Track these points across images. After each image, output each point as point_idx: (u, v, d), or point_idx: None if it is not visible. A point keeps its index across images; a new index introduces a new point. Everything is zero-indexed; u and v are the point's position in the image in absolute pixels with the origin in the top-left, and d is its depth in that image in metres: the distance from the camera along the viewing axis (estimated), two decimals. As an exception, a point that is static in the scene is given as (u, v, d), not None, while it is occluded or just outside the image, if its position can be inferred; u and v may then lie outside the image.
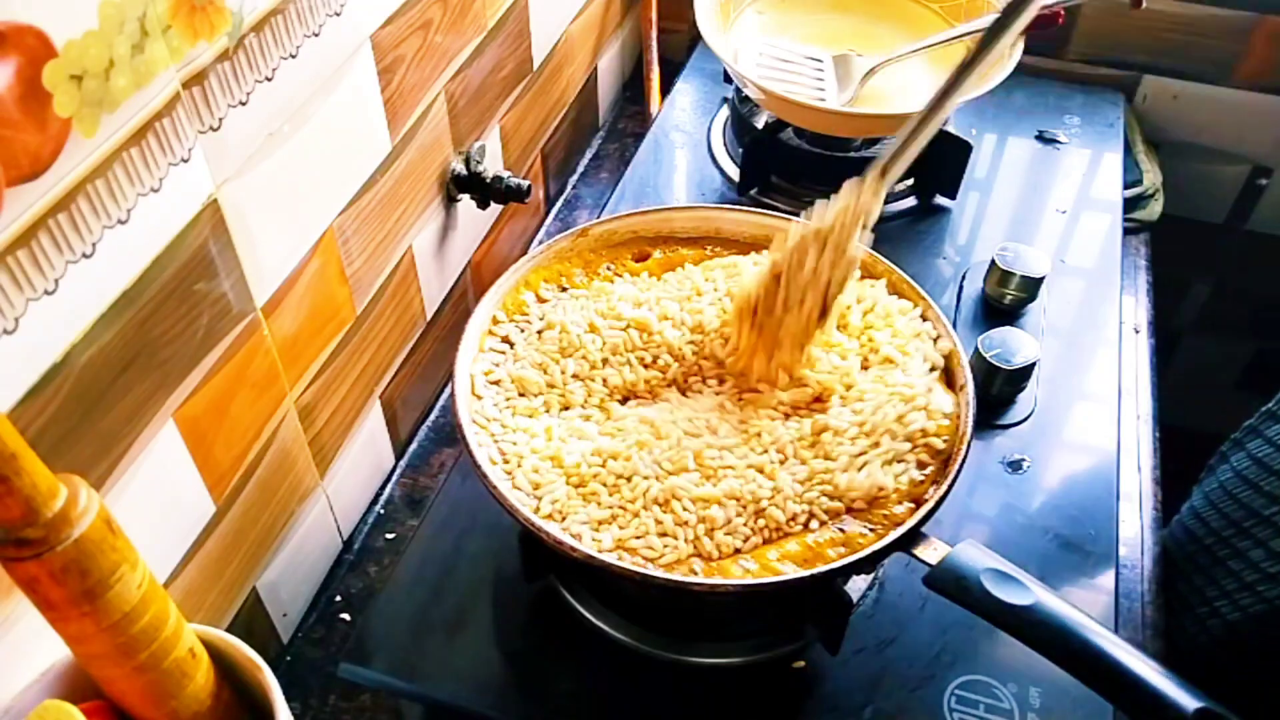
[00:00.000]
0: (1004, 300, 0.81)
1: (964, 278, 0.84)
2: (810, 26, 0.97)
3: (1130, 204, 0.98)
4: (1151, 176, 1.01)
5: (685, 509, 0.54)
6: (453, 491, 0.69)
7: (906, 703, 0.59)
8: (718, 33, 0.92)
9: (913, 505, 0.55)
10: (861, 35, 0.96)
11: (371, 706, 0.67)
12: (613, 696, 0.60)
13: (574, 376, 0.61)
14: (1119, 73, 1.07)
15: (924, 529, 0.53)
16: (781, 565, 0.53)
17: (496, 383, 0.61)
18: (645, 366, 0.62)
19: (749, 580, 0.52)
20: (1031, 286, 0.80)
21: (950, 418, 0.58)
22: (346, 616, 0.72)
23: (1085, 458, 0.73)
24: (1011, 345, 0.74)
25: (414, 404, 0.84)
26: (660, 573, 0.52)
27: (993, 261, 0.81)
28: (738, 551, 0.54)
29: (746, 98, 0.95)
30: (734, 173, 0.94)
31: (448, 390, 0.87)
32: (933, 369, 0.61)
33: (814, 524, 0.55)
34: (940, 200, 0.92)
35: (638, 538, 0.53)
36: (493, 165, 0.85)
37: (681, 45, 1.17)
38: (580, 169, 1.09)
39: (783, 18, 0.98)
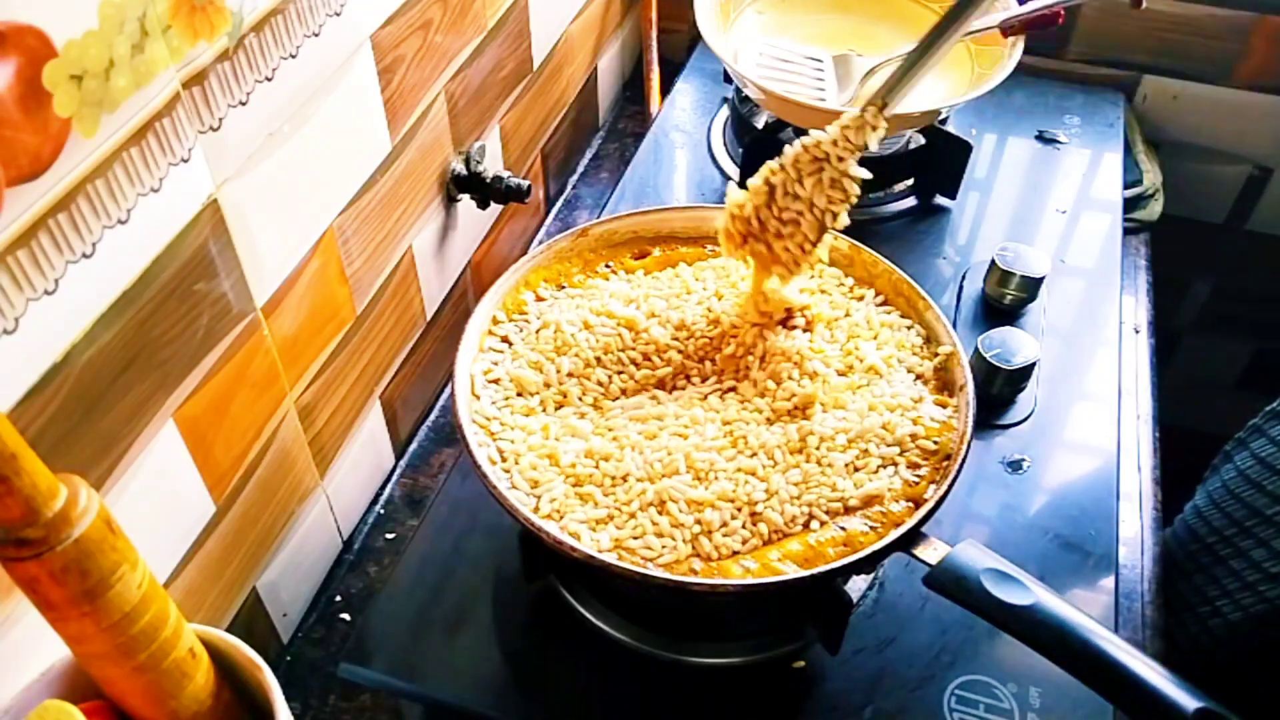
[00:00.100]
0: (1004, 300, 0.81)
1: (964, 278, 0.84)
2: (810, 26, 0.97)
3: (1130, 204, 0.98)
4: (1151, 176, 1.01)
5: (681, 510, 0.54)
6: (453, 491, 0.69)
7: (906, 703, 0.59)
8: (718, 33, 0.92)
9: (912, 505, 0.55)
10: (861, 35, 0.96)
11: (371, 706, 0.67)
12: (613, 696, 0.60)
13: (569, 375, 0.61)
14: (1119, 73, 1.07)
15: (924, 529, 0.53)
16: (782, 565, 0.53)
17: (495, 381, 0.61)
18: (635, 365, 0.62)
19: (749, 580, 0.52)
20: (1031, 286, 0.80)
21: (940, 423, 0.59)
22: (346, 616, 0.72)
23: (1085, 458, 0.73)
24: (1011, 345, 0.74)
25: (414, 404, 0.84)
26: (660, 572, 0.52)
27: (993, 261, 0.81)
28: (736, 553, 0.54)
29: (746, 98, 0.95)
30: (734, 173, 0.94)
31: (448, 390, 0.87)
32: (919, 379, 0.62)
33: (814, 524, 0.55)
34: (940, 200, 0.92)
35: (635, 538, 0.54)
36: (493, 165, 0.85)
37: (681, 45, 1.17)
38: (580, 169, 1.09)
39: (783, 18, 0.98)
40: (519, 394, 0.61)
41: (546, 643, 0.62)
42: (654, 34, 1.12)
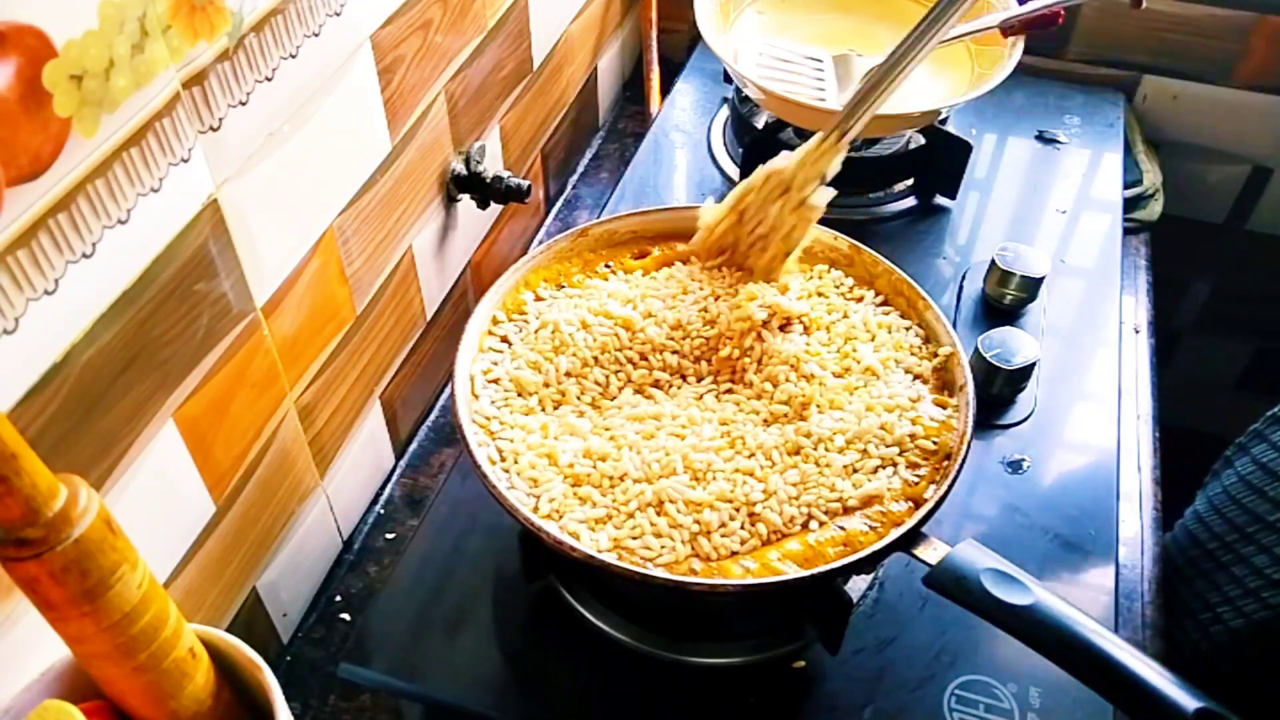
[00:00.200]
0: (1004, 300, 0.81)
1: (964, 278, 0.84)
2: (810, 26, 0.97)
3: (1130, 204, 0.98)
4: (1151, 176, 1.01)
5: (679, 511, 0.54)
6: (453, 491, 0.69)
7: (906, 703, 0.59)
8: (718, 33, 0.92)
9: (912, 505, 0.56)
10: (861, 35, 0.96)
11: (371, 706, 0.67)
12: (613, 696, 0.60)
13: (567, 374, 0.61)
14: (1119, 73, 1.07)
15: (924, 529, 0.53)
16: (782, 565, 0.53)
17: (495, 381, 0.61)
18: (633, 365, 0.62)
19: (749, 580, 0.52)
20: (1031, 286, 0.80)
21: (939, 422, 0.59)
22: (346, 616, 0.72)
23: (1085, 458, 0.73)
24: (1011, 345, 0.74)
25: (414, 404, 0.84)
26: (660, 572, 0.52)
27: (993, 261, 0.81)
28: (735, 554, 0.54)
29: (746, 98, 0.95)
30: (734, 173, 0.94)
31: (448, 390, 0.87)
32: (918, 379, 0.62)
33: (813, 524, 0.55)
34: (940, 200, 0.92)
35: (634, 538, 0.54)
36: (493, 165, 0.85)
37: (681, 45, 1.17)
38: (580, 169, 1.09)
39: (783, 18, 0.98)
40: (518, 394, 0.61)
41: (546, 643, 0.62)
42: (654, 34, 1.12)
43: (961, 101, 0.84)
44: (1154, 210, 1.00)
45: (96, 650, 0.38)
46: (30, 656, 0.44)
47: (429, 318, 0.82)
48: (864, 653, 0.61)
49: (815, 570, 0.52)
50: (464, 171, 0.80)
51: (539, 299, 0.66)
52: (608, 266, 0.69)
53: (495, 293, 0.64)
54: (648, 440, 0.58)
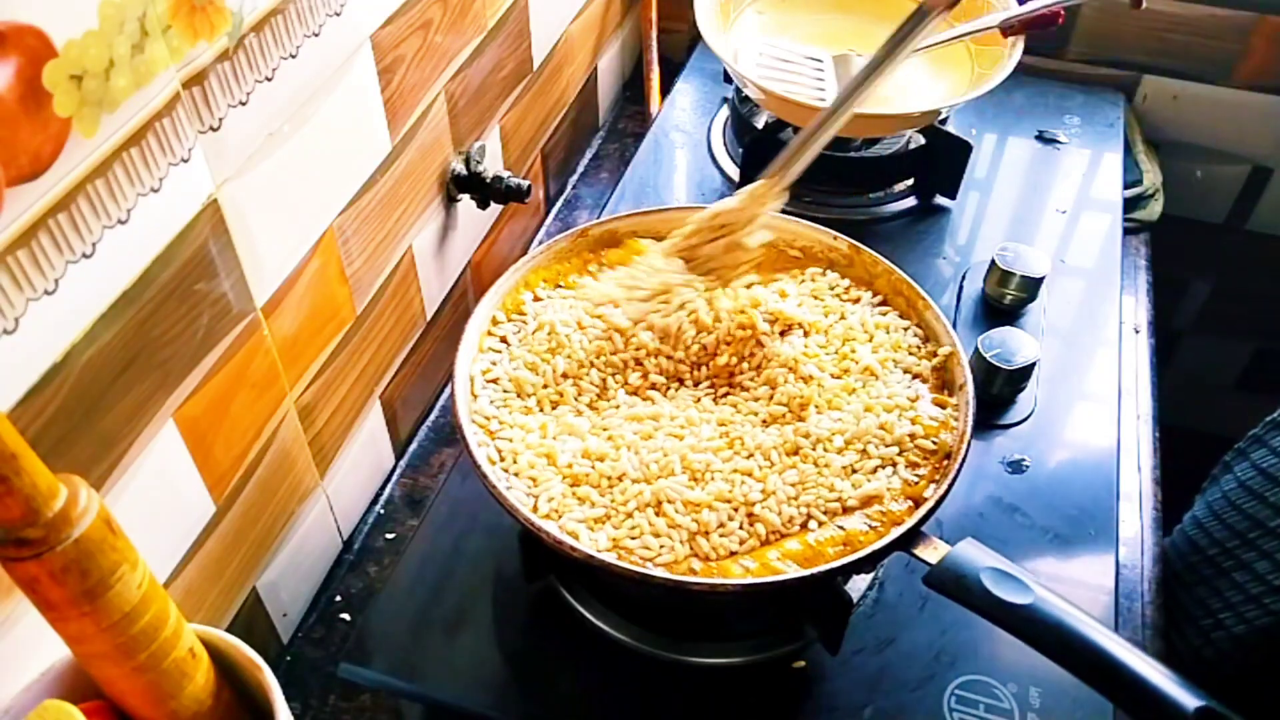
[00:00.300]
0: (1004, 300, 0.81)
1: (964, 278, 0.84)
2: (810, 26, 0.97)
3: (1130, 204, 0.98)
4: (1151, 176, 1.01)
5: (678, 511, 0.54)
6: (453, 491, 0.69)
7: (906, 703, 0.59)
8: (718, 33, 0.92)
9: (912, 504, 0.56)
10: (861, 35, 0.96)
11: (371, 706, 0.67)
12: (613, 696, 0.60)
13: (563, 375, 0.61)
14: (1119, 73, 1.07)
15: (924, 528, 0.53)
16: (782, 564, 0.53)
17: (494, 381, 0.61)
18: (628, 367, 0.62)
19: (749, 580, 0.52)
20: (1031, 286, 0.80)
21: (939, 421, 0.59)
22: (346, 616, 0.72)
23: (1085, 458, 0.73)
24: (1011, 345, 0.74)
25: (414, 404, 0.84)
26: (660, 572, 0.52)
27: (993, 261, 0.81)
28: (734, 554, 0.54)
29: (746, 98, 0.95)
30: (734, 173, 0.94)
31: (448, 390, 0.87)
32: (917, 378, 0.62)
33: (812, 524, 0.55)
34: (940, 200, 0.92)
35: (633, 538, 0.54)
36: (493, 165, 0.85)
37: (681, 45, 1.17)
38: (580, 169, 1.09)
39: (783, 18, 0.98)
40: (517, 395, 0.61)
41: (546, 643, 0.62)
42: (654, 34, 1.12)
43: (961, 101, 0.84)
44: (1154, 210, 1.00)
45: (96, 650, 0.38)
46: (30, 656, 0.44)
47: (429, 318, 0.82)
48: (864, 653, 0.61)
49: (815, 570, 0.52)
50: (464, 171, 0.80)
51: (538, 299, 0.66)
52: (599, 266, 0.69)
53: (495, 293, 0.64)
54: (646, 440, 0.58)
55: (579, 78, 1.04)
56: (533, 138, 0.95)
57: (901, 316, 0.66)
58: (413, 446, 0.84)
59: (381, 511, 0.79)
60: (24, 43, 0.38)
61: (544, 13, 0.89)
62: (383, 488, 0.80)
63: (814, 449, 0.57)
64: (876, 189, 0.92)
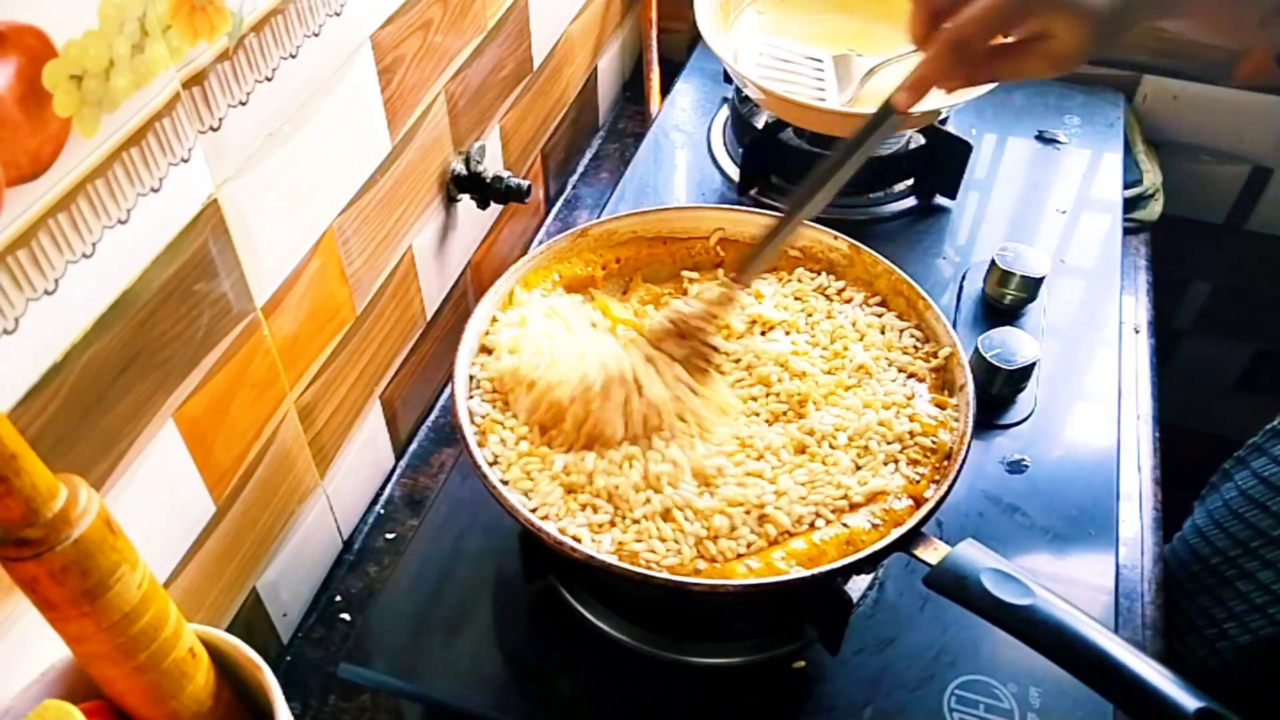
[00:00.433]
0: (1004, 300, 0.81)
1: (964, 278, 0.84)
2: (810, 26, 0.97)
3: (1130, 204, 0.98)
4: (1151, 176, 1.01)
5: (688, 519, 0.54)
6: (453, 491, 0.69)
7: (906, 703, 0.59)
8: (718, 33, 0.92)
9: (912, 503, 0.56)
10: (861, 35, 0.96)
11: (371, 706, 0.67)
12: (613, 696, 0.60)
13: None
14: (1119, 73, 1.06)
15: (924, 528, 0.53)
16: (784, 564, 0.53)
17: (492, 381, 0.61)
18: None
19: (749, 580, 0.52)
20: (1031, 286, 0.80)
21: (937, 419, 0.59)
22: (346, 616, 0.72)
23: (1085, 458, 0.73)
24: (1011, 345, 0.74)
25: (414, 404, 0.84)
26: (661, 573, 0.52)
27: (993, 261, 0.81)
28: (740, 556, 0.54)
29: (746, 98, 0.95)
30: (734, 173, 0.94)
31: (448, 390, 0.87)
32: (913, 377, 0.62)
33: (819, 523, 0.55)
34: (940, 200, 0.92)
35: (639, 541, 0.53)
36: (493, 165, 0.85)
37: (681, 45, 1.17)
38: (580, 169, 1.09)
39: (783, 18, 0.98)
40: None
41: (546, 643, 0.62)
42: (654, 34, 1.12)
43: (961, 101, 0.84)
44: (1154, 210, 1.00)
45: (96, 650, 0.38)
46: (30, 656, 0.44)
47: (429, 318, 0.82)
48: (864, 653, 0.61)
49: (816, 570, 0.52)
50: (464, 171, 0.80)
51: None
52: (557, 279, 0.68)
53: (495, 293, 0.64)
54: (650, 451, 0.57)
55: (579, 78, 1.04)
56: (533, 138, 0.95)
57: (901, 317, 0.66)
58: (413, 446, 0.84)
59: (381, 511, 0.79)
60: (24, 43, 0.38)
61: (544, 13, 0.89)
62: (383, 488, 0.80)
63: (820, 446, 0.57)
64: (876, 189, 0.92)
